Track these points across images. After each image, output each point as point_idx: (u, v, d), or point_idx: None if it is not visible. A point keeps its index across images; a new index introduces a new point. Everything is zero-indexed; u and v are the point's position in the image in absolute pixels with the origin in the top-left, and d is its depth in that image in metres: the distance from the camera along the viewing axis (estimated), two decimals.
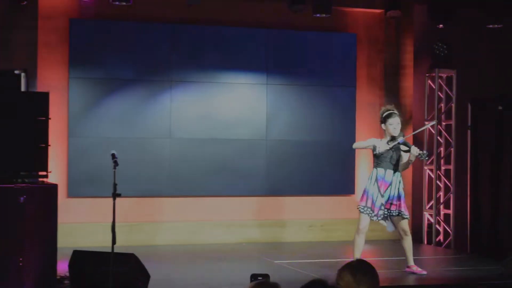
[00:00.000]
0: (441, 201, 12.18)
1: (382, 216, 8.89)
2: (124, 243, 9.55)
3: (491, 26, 11.34)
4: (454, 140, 12.09)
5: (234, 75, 11.65)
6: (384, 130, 9.00)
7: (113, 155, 7.57)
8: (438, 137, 12.19)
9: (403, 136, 8.94)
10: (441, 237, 12.11)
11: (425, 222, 12.17)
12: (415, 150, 8.72)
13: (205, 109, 11.48)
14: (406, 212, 8.93)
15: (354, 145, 9.59)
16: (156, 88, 11.29)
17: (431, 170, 12.16)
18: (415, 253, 11.15)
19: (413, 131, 9.30)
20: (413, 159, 8.79)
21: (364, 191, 8.95)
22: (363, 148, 9.62)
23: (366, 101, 12.23)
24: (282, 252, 10.68)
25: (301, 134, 11.85)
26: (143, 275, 7.83)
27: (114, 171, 7.36)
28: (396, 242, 11.86)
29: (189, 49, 11.43)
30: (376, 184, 8.90)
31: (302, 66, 11.89)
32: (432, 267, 9.82)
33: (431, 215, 12.09)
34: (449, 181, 12.11)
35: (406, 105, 12.26)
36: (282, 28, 11.82)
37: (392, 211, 8.90)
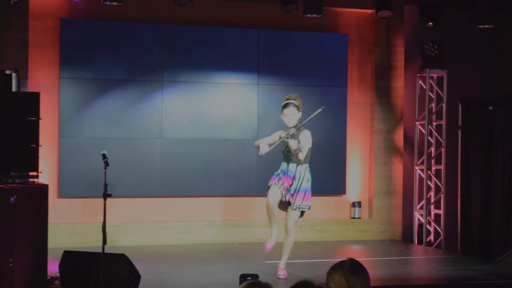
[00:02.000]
0: (432, 201, 12.20)
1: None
2: (114, 244, 9.55)
3: (481, 26, 11.35)
4: (444, 140, 12.11)
5: (225, 75, 11.63)
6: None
7: (104, 155, 7.57)
8: (429, 137, 12.21)
9: (299, 128, 8.42)
10: (431, 237, 12.13)
11: (416, 222, 12.19)
12: (292, 145, 8.18)
13: (196, 109, 11.47)
14: (298, 204, 8.47)
15: (255, 144, 8.86)
16: (147, 88, 11.27)
17: (422, 170, 12.18)
18: (407, 253, 11.24)
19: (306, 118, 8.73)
20: (294, 152, 8.26)
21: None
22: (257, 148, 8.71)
23: (357, 101, 12.23)
24: (273, 252, 10.67)
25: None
26: (134, 276, 7.83)
27: (105, 171, 7.37)
28: (385, 242, 11.91)
29: (180, 49, 11.42)
30: (281, 176, 8.55)
31: (293, 66, 11.88)
32: (423, 267, 9.83)
33: (421, 215, 12.10)
34: (440, 181, 12.14)
35: (397, 105, 12.27)
36: (273, 28, 11.81)
37: (286, 197, 8.51)
